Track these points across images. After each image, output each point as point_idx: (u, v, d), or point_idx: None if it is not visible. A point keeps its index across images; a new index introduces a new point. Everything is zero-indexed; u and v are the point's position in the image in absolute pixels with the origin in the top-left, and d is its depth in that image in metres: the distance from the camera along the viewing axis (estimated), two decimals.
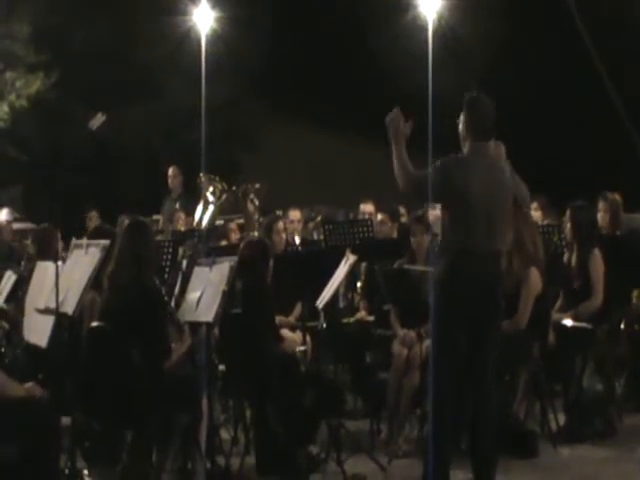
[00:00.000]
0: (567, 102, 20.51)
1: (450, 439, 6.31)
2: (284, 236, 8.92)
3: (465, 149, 6.28)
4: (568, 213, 8.35)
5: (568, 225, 8.31)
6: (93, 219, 13.09)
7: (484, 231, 6.15)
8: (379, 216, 9.77)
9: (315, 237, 11.54)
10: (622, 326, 8.53)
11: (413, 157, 6.16)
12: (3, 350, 7.84)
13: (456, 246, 6.17)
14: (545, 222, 9.71)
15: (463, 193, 6.10)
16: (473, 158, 6.22)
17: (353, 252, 7.77)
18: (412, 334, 7.64)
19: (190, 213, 12.20)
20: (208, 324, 6.76)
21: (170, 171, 13.70)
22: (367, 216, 11.25)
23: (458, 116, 6.35)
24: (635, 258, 8.50)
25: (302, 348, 7.77)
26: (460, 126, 6.32)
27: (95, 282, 6.51)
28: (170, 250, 8.90)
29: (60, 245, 8.29)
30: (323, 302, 7.60)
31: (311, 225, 12.14)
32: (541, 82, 21.48)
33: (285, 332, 7.92)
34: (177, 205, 13.14)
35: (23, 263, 9.58)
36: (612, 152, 18.58)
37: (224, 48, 17.34)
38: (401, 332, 7.77)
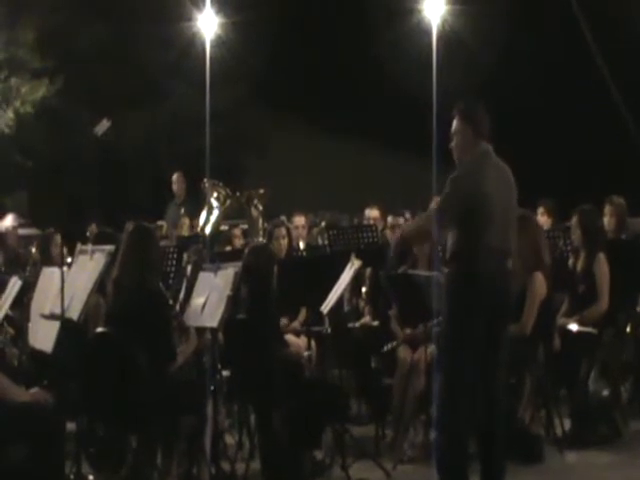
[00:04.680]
0: (571, 105, 20.51)
1: (466, 446, 6.28)
2: (285, 242, 8.90)
3: (473, 153, 6.27)
4: (576, 217, 8.29)
5: (577, 230, 8.26)
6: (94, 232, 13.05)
7: (500, 230, 6.19)
8: (390, 220, 9.64)
9: (320, 242, 11.53)
10: (627, 330, 8.51)
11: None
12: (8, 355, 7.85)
13: (475, 247, 6.16)
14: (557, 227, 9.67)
15: (483, 194, 6.13)
16: (486, 159, 6.25)
17: (358, 257, 7.76)
18: (418, 332, 7.62)
19: (194, 219, 12.19)
20: (213, 329, 6.76)
21: (174, 177, 13.72)
22: (372, 221, 11.24)
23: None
24: None
25: (307, 353, 7.76)
26: (461, 133, 6.31)
27: (100, 287, 6.52)
28: (174, 256, 8.90)
29: (64, 250, 8.26)
30: (328, 307, 7.58)
31: (315, 230, 12.14)
32: (545, 86, 21.48)
33: (290, 337, 7.91)
34: (181, 211, 13.15)
35: (28, 269, 9.59)
36: (616, 155, 18.56)
37: (228, 54, 17.39)
38: (401, 334, 7.78)
